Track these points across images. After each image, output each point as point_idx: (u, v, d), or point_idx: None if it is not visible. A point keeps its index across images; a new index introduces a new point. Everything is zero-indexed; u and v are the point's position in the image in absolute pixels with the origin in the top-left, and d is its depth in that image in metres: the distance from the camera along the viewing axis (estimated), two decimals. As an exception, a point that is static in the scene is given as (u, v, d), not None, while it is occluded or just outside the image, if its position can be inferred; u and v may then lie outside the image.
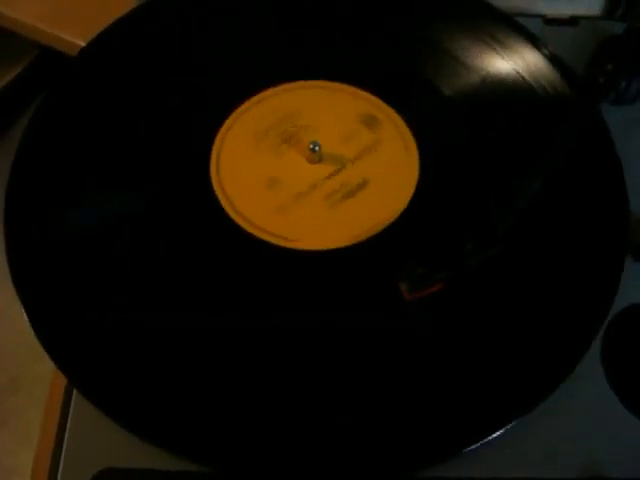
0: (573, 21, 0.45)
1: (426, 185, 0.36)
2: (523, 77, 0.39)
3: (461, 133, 0.38)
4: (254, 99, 0.40)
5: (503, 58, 0.40)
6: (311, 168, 0.37)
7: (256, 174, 0.37)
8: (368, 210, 0.35)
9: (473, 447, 0.29)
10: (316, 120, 0.39)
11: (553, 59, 0.40)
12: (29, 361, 0.82)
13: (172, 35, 0.42)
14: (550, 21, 0.45)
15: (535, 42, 0.41)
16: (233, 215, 0.35)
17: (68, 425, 0.31)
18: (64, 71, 0.40)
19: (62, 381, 0.33)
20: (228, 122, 0.39)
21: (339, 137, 0.38)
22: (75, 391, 0.32)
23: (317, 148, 0.36)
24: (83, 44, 0.41)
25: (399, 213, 0.35)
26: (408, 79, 0.40)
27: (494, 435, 0.29)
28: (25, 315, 0.32)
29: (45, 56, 0.89)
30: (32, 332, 0.32)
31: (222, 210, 0.35)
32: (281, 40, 0.42)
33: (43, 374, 0.79)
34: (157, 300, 0.33)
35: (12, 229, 0.35)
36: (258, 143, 0.38)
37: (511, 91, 0.39)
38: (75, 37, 0.52)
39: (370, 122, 0.38)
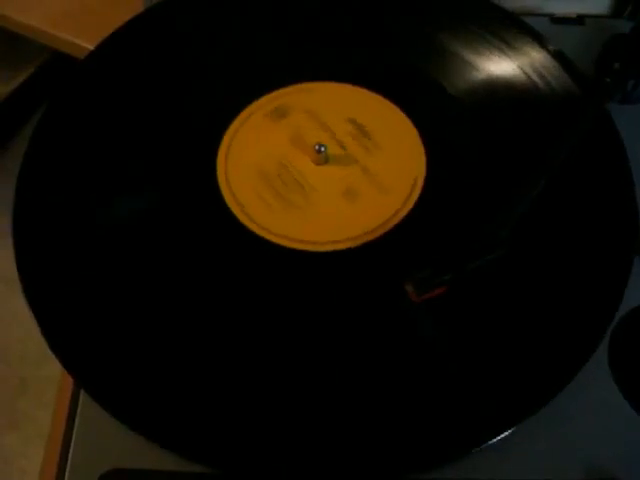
0: (580, 20, 0.45)
1: (432, 186, 0.36)
2: (530, 77, 0.39)
3: (467, 133, 0.38)
4: (263, 99, 0.40)
5: (510, 57, 0.40)
6: (317, 169, 0.37)
7: (262, 170, 0.37)
8: (372, 212, 0.35)
9: (478, 449, 0.29)
10: (323, 120, 0.39)
11: (560, 58, 0.40)
12: (38, 363, 0.82)
13: (180, 38, 0.42)
14: (557, 20, 0.45)
15: (542, 41, 0.40)
16: (239, 214, 0.35)
17: (75, 426, 0.31)
18: (72, 74, 0.41)
19: (70, 382, 0.33)
20: (236, 123, 0.39)
21: (346, 138, 0.38)
22: (82, 392, 0.32)
23: (323, 149, 0.36)
24: (91, 48, 0.42)
25: (405, 214, 0.35)
26: (415, 79, 0.40)
27: (499, 437, 0.29)
28: (33, 316, 0.32)
29: (54, 60, 0.90)
30: (40, 333, 0.32)
31: (228, 210, 0.35)
32: (285, 42, 0.42)
33: (52, 376, 0.79)
34: (164, 301, 0.33)
35: (21, 231, 0.35)
36: (266, 142, 0.38)
37: (518, 90, 0.39)
38: (83, 41, 0.52)
39: (377, 124, 0.38)
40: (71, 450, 0.30)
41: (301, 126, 0.39)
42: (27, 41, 0.58)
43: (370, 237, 0.34)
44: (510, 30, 0.41)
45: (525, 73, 0.39)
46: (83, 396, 0.32)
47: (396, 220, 0.35)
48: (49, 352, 0.31)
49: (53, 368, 0.38)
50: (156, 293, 0.33)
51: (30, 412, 0.81)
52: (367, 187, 0.36)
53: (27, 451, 0.78)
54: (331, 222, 0.35)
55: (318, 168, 0.37)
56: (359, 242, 0.34)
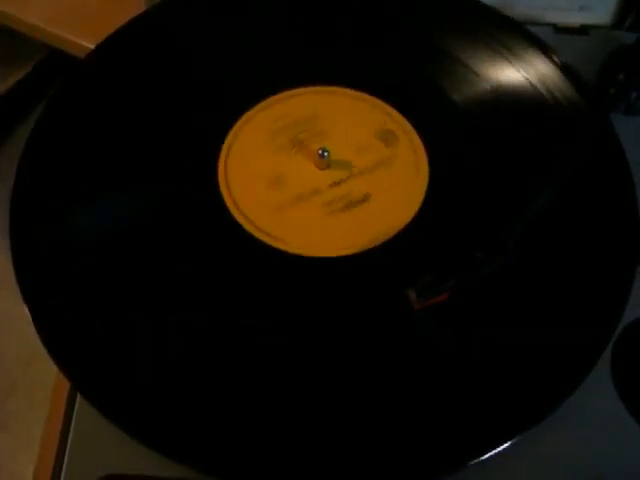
0: (583, 30, 0.45)
1: (435, 192, 0.36)
2: (535, 86, 0.39)
3: (472, 142, 0.38)
4: (269, 100, 0.39)
5: (515, 67, 0.40)
6: (318, 173, 0.37)
7: (263, 173, 0.37)
8: (367, 223, 0.35)
9: (480, 459, 0.29)
10: (330, 127, 0.38)
11: (565, 68, 0.39)
12: (28, 364, 0.81)
13: (182, 38, 0.42)
14: (560, 30, 0.45)
15: (547, 51, 0.40)
16: (236, 214, 0.35)
17: (71, 430, 0.31)
18: (72, 73, 0.40)
19: (65, 385, 0.33)
20: (241, 122, 0.39)
21: (352, 147, 0.38)
22: (79, 396, 0.31)
23: (326, 154, 0.36)
24: (90, 46, 0.41)
25: (407, 222, 0.35)
26: (421, 88, 0.40)
27: (501, 447, 0.29)
28: (30, 318, 0.32)
29: (52, 58, 0.89)
30: (33, 335, 0.31)
31: (227, 210, 0.35)
32: (295, 43, 0.42)
33: (42, 377, 0.79)
34: (161, 304, 0.32)
35: (18, 231, 0.35)
36: (269, 144, 0.38)
37: (523, 100, 0.39)
38: (82, 39, 0.52)
39: (387, 137, 0.38)
40: (66, 454, 0.30)
41: (308, 129, 0.38)
42: (24, 39, 0.57)
43: (372, 244, 0.34)
44: (516, 40, 0.41)
45: (530, 83, 0.39)
46: (79, 400, 0.31)
47: (398, 228, 0.35)
48: (39, 353, 0.31)
49: (43, 369, 0.38)
50: (153, 296, 0.33)
51: (19, 413, 0.80)
52: (363, 199, 0.36)
53: (16, 453, 0.77)
54: (333, 228, 0.35)
55: (319, 172, 0.37)
56: (361, 249, 0.34)
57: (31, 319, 0.31)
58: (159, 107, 0.39)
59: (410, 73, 0.40)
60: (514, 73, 0.40)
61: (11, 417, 0.80)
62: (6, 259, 0.33)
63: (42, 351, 0.31)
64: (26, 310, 0.32)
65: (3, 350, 0.85)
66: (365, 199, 0.36)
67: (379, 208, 0.35)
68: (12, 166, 0.37)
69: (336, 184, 0.36)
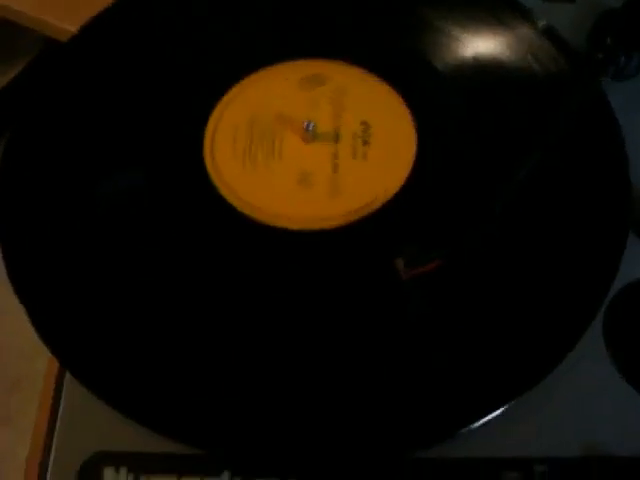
0: (570, -2, 0.44)
1: (423, 163, 0.35)
2: (522, 53, 0.39)
3: (458, 110, 0.37)
4: (252, 77, 0.39)
5: (501, 35, 0.39)
6: (306, 147, 0.36)
7: (250, 150, 0.36)
8: (362, 187, 0.35)
9: (473, 426, 0.28)
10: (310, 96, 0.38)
11: (552, 35, 0.39)
12: (32, 359, 0.82)
13: (169, 15, 0.42)
14: (548, -2, 0.44)
15: (533, 18, 0.40)
16: (224, 192, 0.35)
17: (60, 410, 0.31)
18: (55, 56, 0.40)
19: (55, 372, 0.33)
20: (222, 104, 0.38)
21: (334, 115, 0.37)
22: (67, 376, 0.31)
23: (311, 127, 0.36)
24: (74, 30, 0.41)
25: (395, 190, 0.34)
26: (404, 56, 0.40)
27: (494, 414, 0.29)
28: (17, 299, 0.31)
29: (47, 53, 0.89)
30: (30, 324, 0.31)
31: (217, 193, 0.35)
32: (279, 20, 0.41)
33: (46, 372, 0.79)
34: (150, 283, 0.32)
35: (5, 220, 0.35)
36: (254, 123, 0.37)
37: (510, 68, 0.38)
38: (72, 25, 0.51)
39: (367, 100, 0.38)
40: (55, 434, 0.30)
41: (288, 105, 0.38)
42: (19, 34, 0.57)
43: (357, 215, 0.34)
44: (502, 8, 0.40)
45: (517, 50, 0.39)
46: (68, 379, 0.31)
47: (385, 197, 0.34)
48: (44, 348, 0.31)
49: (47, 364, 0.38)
50: (141, 274, 0.33)
51: (23, 408, 0.81)
52: (356, 161, 0.36)
53: (20, 447, 0.77)
54: (321, 201, 0.34)
55: (307, 146, 0.36)
56: (346, 221, 0.34)
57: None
58: (144, 86, 0.39)
59: (394, 43, 0.40)
60: (500, 40, 0.39)
61: (15, 412, 0.81)
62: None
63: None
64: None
65: (7, 345, 0.85)
66: (359, 160, 0.36)
67: (366, 179, 0.35)
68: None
69: (325, 152, 0.36)
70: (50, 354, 0.31)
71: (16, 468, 0.76)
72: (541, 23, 0.39)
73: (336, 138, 0.36)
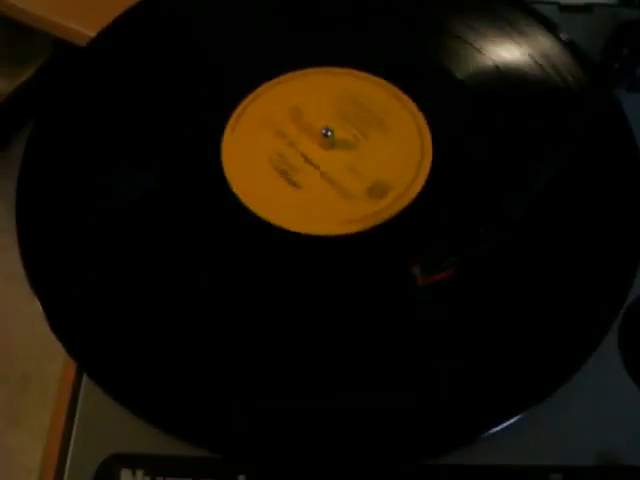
0: (587, 8, 0.45)
1: (439, 170, 0.36)
2: (538, 63, 0.39)
3: (476, 118, 0.37)
4: (271, 83, 0.39)
5: (518, 44, 0.40)
6: (324, 154, 0.37)
7: (266, 156, 0.37)
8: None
9: (490, 433, 0.28)
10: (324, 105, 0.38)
11: (569, 45, 0.39)
12: (42, 359, 0.82)
13: (185, 21, 0.42)
14: (565, 8, 0.44)
15: (551, 28, 0.40)
16: (238, 193, 0.35)
17: (77, 412, 0.31)
18: (75, 59, 0.40)
19: (71, 374, 0.33)
20: (240, 108, 0.39)
21: (350, 123, 0.38)
22: (85, 378, 0.31)
23: (330, 133, 0.36)
24: (92, 34, 0.41)
25: (411, 198, 0.35)
26: (423, 66, 0.40)
27: (510, 421, 0.29)
28: (42, 313, 0.32)
29: (59, 56, 0.90)
30: (45, 331, 0.31)
31: (229, 189, 0.35)
32: (292, 25, 0.42)
33: (55, 373, 0.79)
34: (167, 285, 0.32)
35: (24, 217, 0.35)
36: (266, 127, 0.38)
37: (526, 77, 0.39)
38: (88, 29, 0.51)
39: (385, 112, 0.38)
40: (73, 435, 0.30)
41: (306, 112, 0.38)
42: (31, 37, 0.57)
43: (376, 221, 0.34)
44: (520, 17, 0.41)
45: (534, 59, 0.39)
46: (85, 381, 0.31)
47: (403, 204, 0.34)
48: (52, 349, 0.31)
49: (56, 365, 0.38)
50: (159, 276, 0.33)
51: (33, 409, 0.81)
52: (373, 170, 0.36)
53: (30, 449, 0.77)
54: (336, 206, 0.35)
55: (325, 152, 0.37)
56: (361, 228, 0.34)
57: (39, 302, 0.32)
58: (162, 89, 0.39)
59: (414, 53, 0.40)
60: (518, 50, 0.39)
61: (25, 412, 0.81)
62: (15, 255, 0.33)
63: (54, 347, 0.31)
64: (38, 305, 0.32)
65: (16, 346, 0.85)
66: (375, 168, 0.36)
67: (389, 178, 0.35)
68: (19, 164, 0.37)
69: (343, 160, 0.36)
70: (63, 356, 0.31)
71: (24, 469, 0.77)
72: (563, 36, 0.39)
73: (353, 144, 0.37)
